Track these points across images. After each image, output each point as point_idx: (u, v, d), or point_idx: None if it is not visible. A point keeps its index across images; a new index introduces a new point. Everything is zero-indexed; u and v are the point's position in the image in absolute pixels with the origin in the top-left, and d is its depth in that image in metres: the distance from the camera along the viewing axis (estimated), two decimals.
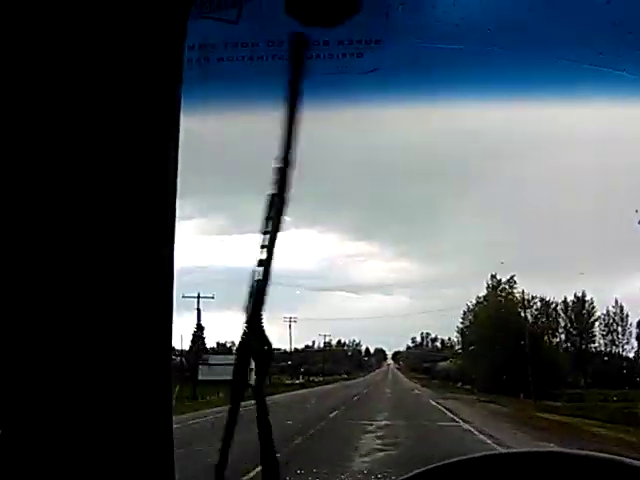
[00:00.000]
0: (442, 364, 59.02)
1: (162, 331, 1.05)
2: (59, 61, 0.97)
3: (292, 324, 52.25)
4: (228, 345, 48.77)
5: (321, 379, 58.95)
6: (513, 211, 49.00)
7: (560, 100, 2.52)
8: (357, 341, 74.82)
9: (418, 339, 74.09)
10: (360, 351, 77.42)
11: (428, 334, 73.39)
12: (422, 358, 70.03)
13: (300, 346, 63.53)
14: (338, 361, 67.14)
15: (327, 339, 70.11)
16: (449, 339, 70.11)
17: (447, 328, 55.09)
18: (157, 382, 1.05)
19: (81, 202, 0.96)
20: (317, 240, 59.08)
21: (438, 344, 71.76)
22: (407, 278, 59.67)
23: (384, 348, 79.86)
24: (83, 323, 0.98)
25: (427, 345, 74.49)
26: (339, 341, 73.91)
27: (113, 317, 0.99)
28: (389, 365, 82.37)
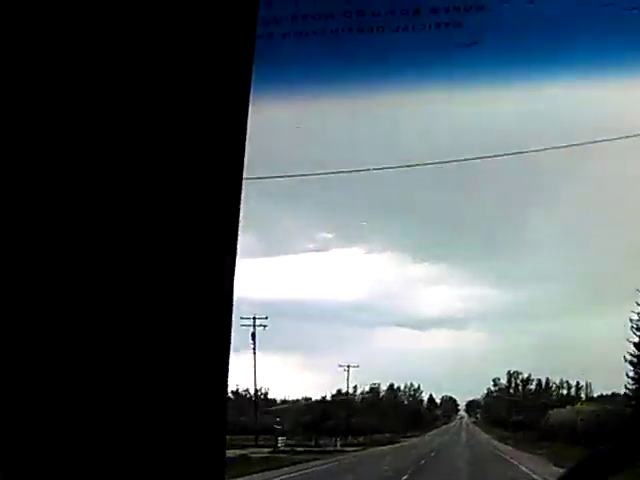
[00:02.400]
0: (557, 413, 37.20)
1: (220, 346, 1.03)
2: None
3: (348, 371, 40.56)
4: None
5: (353, 441, 38.40)
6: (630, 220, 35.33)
7: None
8: (416, 386, 54.98)
9: (503, 381, 53.75)
10: (421, 400, 57.28)
11: (518, 373, 53.05)
12: (511, 407, 48.76)
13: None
14: (387, 414, 45.65)
15: (373, 384, 50.03)
16: (548, 380, 50.51)
17: (541, 367, 43.16)
18: (212, 407, 1.03)
19: (143, 198, 0.94)
20: (366, 262, 45.99)
21: (533, 386, 51.81)
22: (483, 309, 46.40)
23: (454, 397, 62.22)
24: (139, 333, 0.97)
25: (517, 389, 53.66)
26: (391, 386, 53.81)
27: (171, 328, 0.98)
28: (462, 419, 64.69)
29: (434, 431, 51.65)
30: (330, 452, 34.43)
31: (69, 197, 0.93)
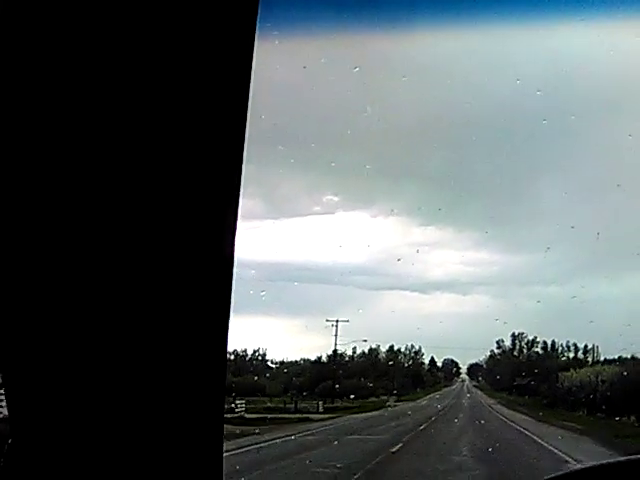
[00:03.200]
0: (571, 375, 34.86)
1: (218, 337, 1.04)
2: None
3: (336, 327, 37.44)
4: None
5: (341, 405, 35.90)
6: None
7: None
8: (417, 348, 52.77)
9: (507, 343, 51.54)
10: (422, 362, 55.16)
11: (522, 335, 50.87)
12: (515, 371, 46.49)
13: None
14: (385, 375, 43.44)
15: (373, 345, 47.82)
16: (554, 342, 48.36)
17: (547, 331, 41.89)
18: (210, 387, 1.05)
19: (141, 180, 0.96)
20: (372, 225, 42.34)
21: (538, 349, 49.63)
22: (488, 273, 44.67)
23: (456, 360, 60.76)
24: (139, 320, 0.99)
25: (522, 351, 51.44)
26: (391, 348, 51.66)
27: (171, 315, 1.00)
28: (463, 382, 62.98)
29: (433, 394, 49.16)
30: (302, 420, 28.29)
31: (65, 173, 0.93)
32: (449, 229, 45.48)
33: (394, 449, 19.69)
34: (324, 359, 44.50)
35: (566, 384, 34.56)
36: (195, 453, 1.02)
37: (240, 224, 1.04)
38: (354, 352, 48.79)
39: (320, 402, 34.73)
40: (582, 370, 35.74)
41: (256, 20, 1.00)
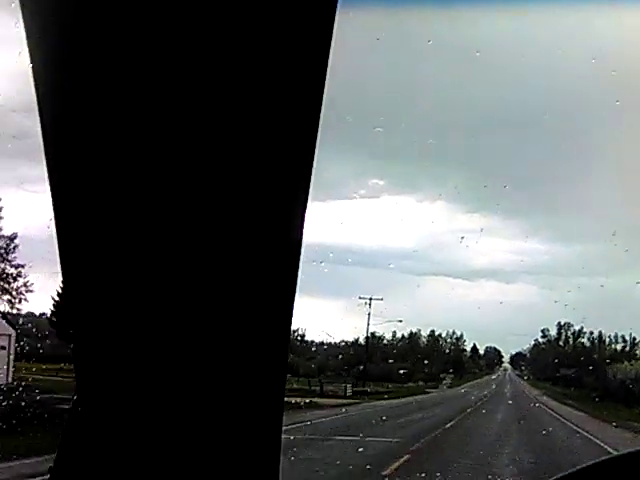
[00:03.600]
0: (626, 368, 33.28)
1: (283, 322, 1.06)
2: None
3: (370, 305, 35.33)
4: None
5: (372, 389, 33.96)
6: None
7: None
8: (458, 334, 51.82)
9: (553, 332, 49.99)
10: (463, 349, 54.02)
11: (569, 325, 49.26)
12: (560, 361, 45.08)
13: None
14: (424, 360, 42.23)
15: (414, 329, 46.71)
16: (601, 333, 46.76)
17: (594, 322, 40.47)
18: (272, 377, 1.07)
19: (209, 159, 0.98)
20: (417, 210, 41.98)
21: (585, 340, 47.97)
22: (535, 262, 44.53)
23: (499, 348, 59.87)
24: (201, 308, 1.01)
25: (567, 341, 49.91)
26: (432, 333, 50.58)
27: (238, 298, 1.02)
28: (506, 371, 61.61)
29: (472, 382, 47.31)
30: (311, 406, 24.79)
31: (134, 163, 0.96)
32: (495, 217, 44.77)
33: (387, 472, 12.99)
34: (361, 341, 43.57)
35: (619, 376, 32.49)
36: (256, 440, 1.05)
37: None
38: (394, 335, 47.83)
39: (348, 385, 32.56)
40: (638, 362, 33.88)
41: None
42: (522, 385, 48.07)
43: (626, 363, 34.37)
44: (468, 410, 26.98)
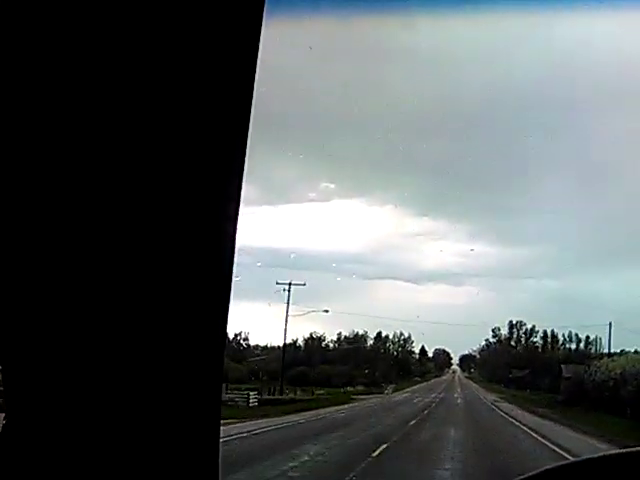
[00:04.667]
0: (597, 366, 30.20)
1: (217, 326, 1.06)
2: None
3: (289, 291, 32.59)
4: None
5: (287, 397, 29.56)
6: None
7: None
8: (406, 335, 48.86)
9: (504, 332, 47.49)
10: (412, 351, 51.21)
11: (521, 324, 46.78)
12: (512, 361, 42.54)
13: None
14: (368, 363, 39.04)
15: (360, 331, 43.60)
16: (554, 332, 44.51)
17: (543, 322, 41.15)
18: (209, 372, 1.07)
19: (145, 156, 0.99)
20: (366, 214, 42.21)
21: (538, 339, 45.55)
22: (481, 265, 44.88)
23: (448, 350, 58.24)
24: (139, 305, 1.01)
25: (519, 341, 47.36)
26: (378, 334, 47.49)
27: (171, 303, 1.01)
28: (455, 372, 59.77)
29: (420, 385, 44.46)
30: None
31: (66, 166, 0.95)
32: (444, 220, 44.53)
33: None
34: (300, 343, 40.07)
35: (599, 376, 28.42)
36: (192, 445, 1.04)
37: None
38: (339, 337, 44.49)
39: (252, 393, 27.15)
40: (621, 358, 30.56)
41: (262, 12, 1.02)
42: (474, 388, 45.04)
43: (605, 359, 31.09)
44: (405, 429, 19.65)
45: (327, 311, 32.75)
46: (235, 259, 1.03)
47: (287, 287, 31.73)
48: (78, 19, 0.92)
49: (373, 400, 30.85)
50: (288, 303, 32.26)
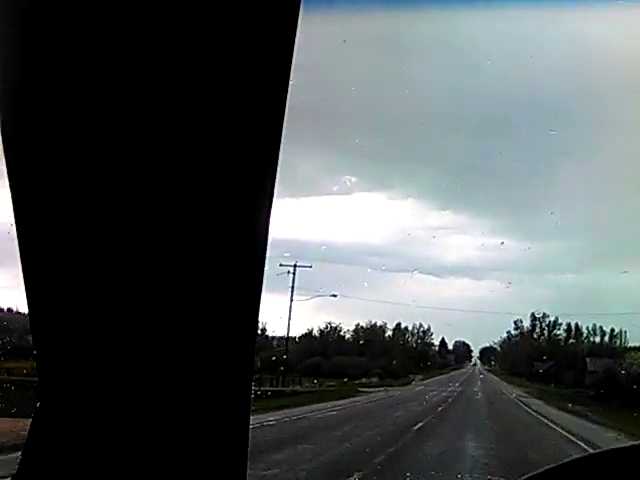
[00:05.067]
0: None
1: (249, 320, 1.06)
2: None
3: (294, 274, 30.71)
4: None
5: (290, 389, 28.16)
6: None
7: None
8: (425, 327, 47.55)
9: (526, 324, 46.16)
10: (431, 343, 49.98)
11: (544, 316, 45.43)
12: (534, 354, 41.23)
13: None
14: (384, 354, 37.92)
15: (379, 322, 42.61)
16: (578, 325, 43.14)
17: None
18: (239, 370, 1.07)
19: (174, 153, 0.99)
20: (388, 207, 41.99)
21: (561, 332, 44.17)
22: (504, 259, 43.86)
23: (468, 342, 56.45)
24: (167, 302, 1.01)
25: (542, 334, 45.97)
26: (398, 325, 46.44)
27: (200, 302, 1.02)
28: (475, 365, 57.95)
29: (437, 377, 42.84)
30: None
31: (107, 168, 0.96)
32: (465, 214, 44.61)
33: None
34: (315, 333, 39.00)
35: (635, 369, 26.60)
36: (222, 436, 1.04)
37: None
38: (356, 329, 43.35)
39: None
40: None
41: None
42: (495, 382, 43.51)
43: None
44: (415, 428, 16.74)
45: (335, 295, 31.41)
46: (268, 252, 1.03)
47: (292, 269, 30.65)
48: (118, 19, 0.91)
49: (381, 394, 27.30)
50: (293, 287, 31.28)
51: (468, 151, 39.04)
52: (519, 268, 46.78)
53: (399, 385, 32.92)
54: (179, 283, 0.97)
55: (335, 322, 39.88)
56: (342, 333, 41.35)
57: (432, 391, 29.38)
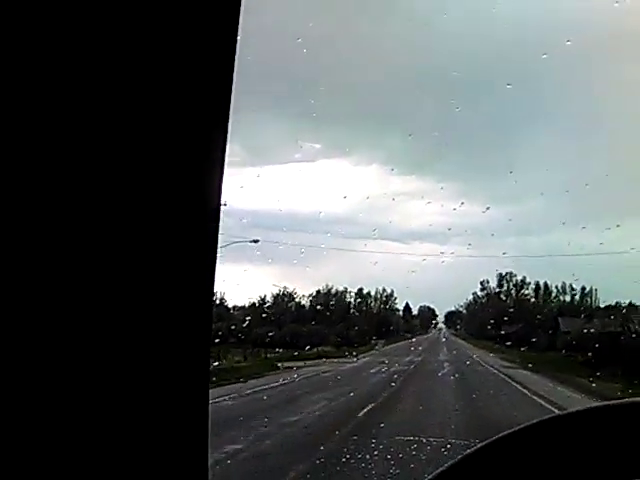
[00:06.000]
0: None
1: (204, 293, 1.04)
2: None
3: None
4: None
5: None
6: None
7: None
8: (389, 292, 45.51)
9: (493, 284, 44.35)
10: (395, 309, 48.06)
11: (511, 275, 43.55)
12: (502, 316, 39.28)
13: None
14: (348, 321, 35.46)
15: (340, 287, 40.12)
16: (547, 284, 41.34)
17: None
18: (196, 344, 1.05)
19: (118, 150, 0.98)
20: (351, 174, 42.51)
21: (530, 291, 42.36)
22: (468, 224, 41.63)
23: (433, 307, 54.57)
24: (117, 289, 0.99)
25: (509, 293, 44.06)
26: (359, 291, 44.17)
27: (151, 275, 1.00)
28: (440, 330, 55.97)
29: (399, 344, 39.66)
30: None
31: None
32: (430, 179, 45.47)
33: None
34: (269, 299, 36.18)
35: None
36: (178, 446, 1.02)
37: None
38: (311, 294, 40.68)
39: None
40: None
41: None
42: (463, 347, 41.03)
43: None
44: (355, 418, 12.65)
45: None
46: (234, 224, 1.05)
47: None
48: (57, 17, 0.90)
49: (312, 369, 21.40)
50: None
51: (433, 116, 38.88)
52: (483, 232, 47.35)
53: (345, 357, 27.44)
54: (128, 259, 0.94)
55: (289, 287, 37.13)
56: (298, 299, 38.61)
57: (391, 361, 23.94)
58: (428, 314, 56.87)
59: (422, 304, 52.81)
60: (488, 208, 39.02)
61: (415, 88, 36.06)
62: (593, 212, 35.57)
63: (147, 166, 0.95)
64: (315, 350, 29.81)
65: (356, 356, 27.80)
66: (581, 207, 35.06)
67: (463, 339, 47.49)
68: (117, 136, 0.93)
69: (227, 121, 1.00)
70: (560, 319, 31.93)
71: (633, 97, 33.13)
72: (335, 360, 25.45)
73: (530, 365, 22.79)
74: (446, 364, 24.66)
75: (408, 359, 25.07)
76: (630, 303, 28.42)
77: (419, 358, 27.22)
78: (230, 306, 37.41)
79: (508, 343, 31.19)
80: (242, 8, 0.98)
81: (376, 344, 35.83)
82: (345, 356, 26.92)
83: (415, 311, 53.31)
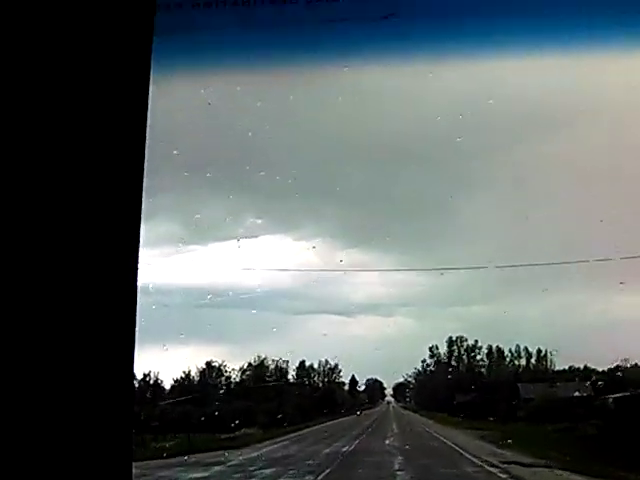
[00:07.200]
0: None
1: (124, 368, 1.09)
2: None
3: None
4: None
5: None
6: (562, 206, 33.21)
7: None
8: (332, 364, 41.37)
9: (443, 350, 41.31)
10: (341, 382, 44.24)
11: (461, 339, 40.63)
12: (455, 384, 36.13)
13: None
14: (281, 397, 31.55)
15: (264, 356, 36.45)
16: (500, 348, 38.55)
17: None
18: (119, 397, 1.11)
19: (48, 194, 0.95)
20: (294, 249, 41.39)
21: (483, 357, 39.41)
22: (412, 295, 43.77)
23: (381, 379, 51.73)
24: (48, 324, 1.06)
25: (461, 359, 40.86)
26: (301, 364, 40.68)
27: (74, 330, 1.02)
28: (389, 403, 52.75)
29: (341, 419, 36.03)
30: None
31: None
32: (373, 252, 43.31)
33: None
34: (194, 374, 32.08)
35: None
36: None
37: (163, 250, 0.78)
38: (242, 367, 36.60)
39: None
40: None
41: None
42: (417, 422, 36.97)
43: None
44: None
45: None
46: (156, 298, 0.99)
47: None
48: None
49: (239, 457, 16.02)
50: None
51: (374, 187, 37.86)
52: (428, 302, 46.22)
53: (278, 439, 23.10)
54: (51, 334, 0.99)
55: (217, 361, 33.04)
56: (228, 374, 34.41)
57: (300, 453, 17.37)
58: (376, 386, 53.56)
59: (369, 377, 49.70)
60: (442, 274, 37.53)
61: (352, 162, 35.34)
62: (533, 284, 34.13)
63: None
64: (244, 431, 25.55)
65: (272, 439, 22.14)
66: (522, 276, 33.64)
67: (414, 412, 43.78)
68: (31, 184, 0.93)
69: (140, 200, 1.02)
70: (520, 385, 28.80)
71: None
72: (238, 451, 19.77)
73: (515, 446, 16.91)
74: (397, 454, 17.72)
75: (338, 445, 18.85)
76: (585, 367, 27.59)
77: (358, 441, 21.26)
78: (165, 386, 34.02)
79: (462, 415, 27.67)
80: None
81: (307, 425, 31.46)
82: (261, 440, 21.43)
83: (362, 385, 49.99)
